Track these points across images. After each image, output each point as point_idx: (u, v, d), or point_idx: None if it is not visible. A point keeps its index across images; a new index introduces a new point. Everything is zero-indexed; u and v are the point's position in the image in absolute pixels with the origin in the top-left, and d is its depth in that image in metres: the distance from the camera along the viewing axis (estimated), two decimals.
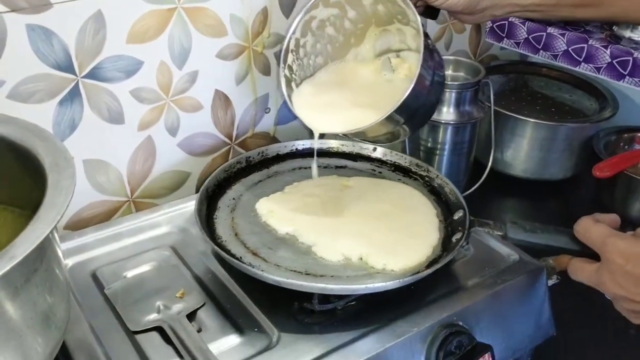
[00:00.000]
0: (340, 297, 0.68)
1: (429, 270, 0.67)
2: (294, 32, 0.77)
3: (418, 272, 0.67)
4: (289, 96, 0.79)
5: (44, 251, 0.52)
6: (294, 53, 0.79)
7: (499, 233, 0.71)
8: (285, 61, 0.78)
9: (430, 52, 0.72)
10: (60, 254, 0.58)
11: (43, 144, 0.57)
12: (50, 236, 0.53)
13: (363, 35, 0.82)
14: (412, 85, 0.68)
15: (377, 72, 0.82)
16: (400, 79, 0.79)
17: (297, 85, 0.81)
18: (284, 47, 0.78)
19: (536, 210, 1.09)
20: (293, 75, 0.80)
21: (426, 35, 0.71)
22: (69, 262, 0.75)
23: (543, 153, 1.08)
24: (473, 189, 1.01)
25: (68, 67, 0.75)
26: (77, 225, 0.84)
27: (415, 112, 0.73)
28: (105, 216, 0.86)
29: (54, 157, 0.56)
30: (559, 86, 1.21)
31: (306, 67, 0.81)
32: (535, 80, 1.23)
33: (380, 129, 0.73)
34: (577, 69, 1.10)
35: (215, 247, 0.69)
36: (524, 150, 1.08)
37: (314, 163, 0.84)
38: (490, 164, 1.02)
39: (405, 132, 0.77)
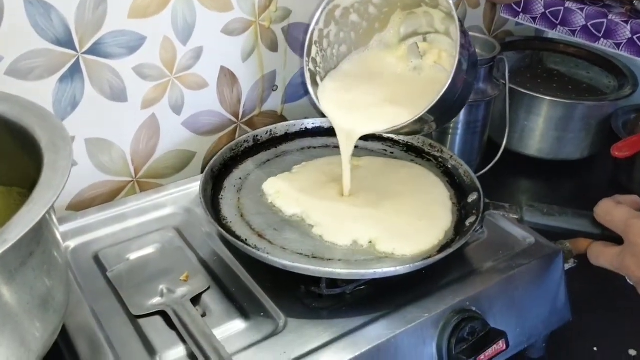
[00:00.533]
0: (348, 282, 0.66)
1: (441, 255, 0.64)
2: (317, 23, 0.74)
3: (429, 257, 0.65)
4: (315, 93, 0.75)
5: (40, 233, 0.50)
6: (317, 45, 0.75)
7: (515, 216, 0.69)
8: (309, 54, 0.75)
9: (464, 36, 0.67)
10: (58, 236, 0.56)
11: (40, 123, 0.55)
12: (47, 218, 0.52)
13: (387, 19, 0.78)
14: (449, 80, 0.64)
15: (404, 59, 0.78)
16: (429, 66, 0.76)
17: (322, 79, 0.77)
18: (307, 39, 0.74)
19: (551, 191, 1.06)
20: (317, 69, 0.76)
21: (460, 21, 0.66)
22: (71, 244, 0.73)
23: (559, 132, 1.05)
24: (486, 169, 0.98)
25: (68, 43, 0.72)
26: (80, 206, 0.82)
27: (450, 105, 0.70)
28: (108, 197, 0.84)
29: (52, 136, 0.53)
30: (576, 63, 1.18)
31: (330, 58, 0.77)
32: (552, 57, 1.20)
33: (411, 125, 0.69)
34: (595, 45, 1.06)
35: (220, 229, 0.66)
36: (539, 130, 1.06)
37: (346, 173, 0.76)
38: (504, 143, 1.00)
39: (431, 127, 0.73)
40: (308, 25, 0.73)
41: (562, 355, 0.75)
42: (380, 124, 0.69)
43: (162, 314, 0.64)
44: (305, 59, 0.74)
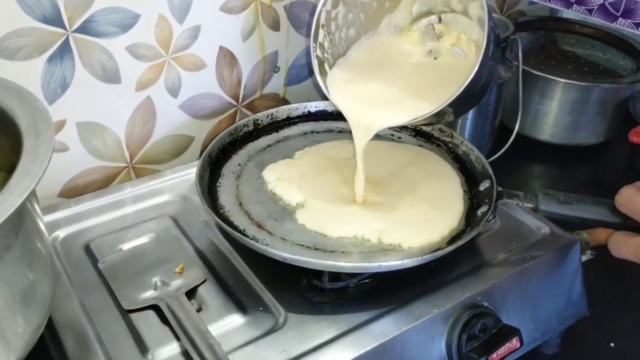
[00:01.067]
0: (352, 275, 0.62)
1: (450, 248, 0.60)
2: (324, 4, 0.68)
3: (438, 249, 0.61)
4: (324, 82, 0.69)
5: (19, 225, 0.46)
6: (324, 28, 0.69)
7: (530, 205, 0.65)
8: (316, 39, 0.69)
9: (490, 17, 0.60)
10: (42, 225, 0.53)
11: (21, 105, 0.51)
12: (27, 207, 0.48)
13: None
14: (475, 68, 0.58)
15: (418, 43, 0.72)
16: (447, 51, 0.70)
17: (330, 66, 0.71)
18: (314, 22, 0.68)
19: (565, 178, 1.02)
20: (325, 55, 0.70)
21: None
22: (61, 233, 0.69)
23: (574, 116, 1.01)
24: (498, 154, 0.94)
25: (56, 21, 0.68)
26: (72, 192, 0.78)
27: (472, 94, 0.64)
28: (102, 183, 0.81)
29: (33, 119, 0.50)
30: (592, 44, 1.13)
31: (338, 42, 0.72)
32: (566, 37, 1.16)
33: (430, 117, 0.64)
34: (613, 25, 1.02)
35: (217, 219, 0.63)
36: (553, 113, 1.02)
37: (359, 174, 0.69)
38: (517, 128, 0.96)
39: (449, 117, 0.67)
40: (314, 7, 0.68)
41: (578, 351, 0.72)
42: (399, 117, 0.64)
43: (156, 308, 0.60)
44: (312, 44, 0.68)
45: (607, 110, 1.01)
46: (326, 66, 0.70)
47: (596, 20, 1.05)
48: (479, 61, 0.58)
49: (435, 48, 0.71)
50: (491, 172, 0.70)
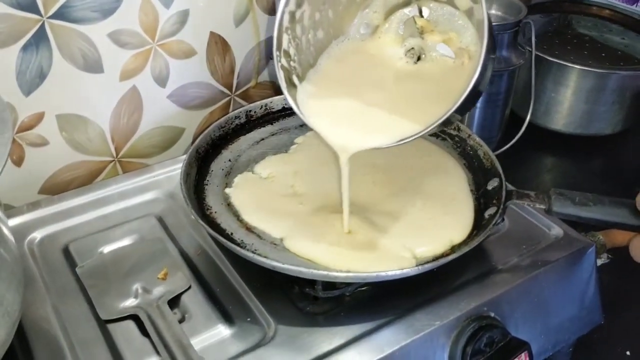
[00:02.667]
0: (348, 282, 0.57)
1: (454, 255, 0.55)
2: (286, 4, 0.58)
3: (441, 256, 0.56)
4: (294, 98, 0.59)
5: None
6: (289, 32, 0.59)
7: (542, 206, 0.60)
8: (279, 46, 0.58)
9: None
10: (6, 231, 0.48)
11: None
12: None
13: None
14: (472, 82, 0.51)
15: (395, 44, 0.64)
16: (431, 50, 0.62)
17: (300, 79, 0.61)
18: (277, 27, 0.58)
19: (580, 170, 0.98)
20: (292, 64, 0.60)
21: None
22: (38, 235, 0.65)
23: (589, 105, 0.96)
24: (509, 145, 0.90)
25: (30, 6, 0.64)
26: (55, 189, 0.75)
27: (469, 100, 0.54)
28: (87, 178, 0.77)
29: None
30: (610, 27, 1.08)
31: (305, 48, 0.62)
32: (582, 20, 1.11)
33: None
34: (634, 7, 0.96)
35: (201, 222, 0.58)
36: (567, 102, 0.97)
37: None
38: (528, 117, 0.92)
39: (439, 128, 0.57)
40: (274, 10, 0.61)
41: None
42: (383, 140, 0.55)
43: (135, 318, 0.56)
44: (276, 53, 0.58)
45: (625, 99, 0.96)
46: (294, 78, 0.60)
47: (615, 1, 0.99)
48: (476, 75, 0.50)
49: (417, 46, 0.63)
50: (500, 169, 0.65)
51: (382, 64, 0.63)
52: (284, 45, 0.58)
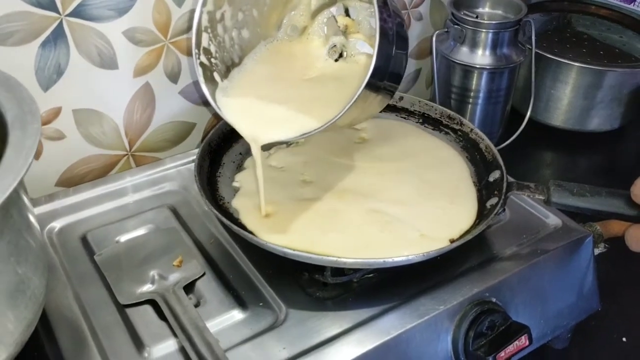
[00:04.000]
0: (356, 269, 0.60)
1: (457, 242, 0.58)
2: (204, 4, 0.60)
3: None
4: (213, 94, 0.62)
5: (5, 221, 0.44)
6: (209, 31, 0.62)
7: (541, 197, 0.62)
8: (199, 45, 0.61)
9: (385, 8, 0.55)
10: (32, 219, 0.50)
11: (7, 95, 0.49)
12: (14, 201, 0.46)
13: None
14: (364, 82, 0.54)
15: (321, 46, 0.67)
16: (353, 46, 0.65)
17: (223, 77, 0.64)
18: (195, 26, 0.61)
19: (579, 166, 1.00)
20: (213, 60, 0.63)
21: None
22: (57, 224, 0.67)
23: (588, 101, 0.98)
24: (509, 141, 0.93)
25: (49, 4, 0.66)
26: (70, 181, 0.76)
27: (377, 90, 0.59)
28: (101, 171, 0.79)
29: (20, 110, 0.47)
30: (608, 26, 1.10)
31: (229, 46, 0.64)
32: (581, 19, 1.13)
33: (351, 115, 0.58)
34: (631, 6, 0.98)
35: (215, 212, 0.61)
36: (566, 98, 0.99)
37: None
38: (528, 113, 0.94)
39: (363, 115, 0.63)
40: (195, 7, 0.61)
41: (588, 346, 0.70)
42: (284, 134, 0.60)
43: (152, 302, 0.59)
44: (195, 50, 0.61)
45: (622, 96, 0.97)
46: (215, 75, 0.63)
47: (613, 1, 1.01)
48: (367, 77, 0.54)
49: (339, 44, 0.65)
50: (501, 162, 0.67)
51: (304, 64, 0.66)
52: (204, 43, 0.62)
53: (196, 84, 0.80)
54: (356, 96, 0.54)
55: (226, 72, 0.65)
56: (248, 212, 0.64)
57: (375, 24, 0.53)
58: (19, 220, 0.47)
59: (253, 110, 0.62)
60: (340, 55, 0.67)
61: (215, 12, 0.62)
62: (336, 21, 0.66)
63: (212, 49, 0.63)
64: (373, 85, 0.56)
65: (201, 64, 0.62)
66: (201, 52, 0.62)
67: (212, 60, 0.63)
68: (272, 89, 0.64)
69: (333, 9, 0.67)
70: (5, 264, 0.44)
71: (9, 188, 0.40)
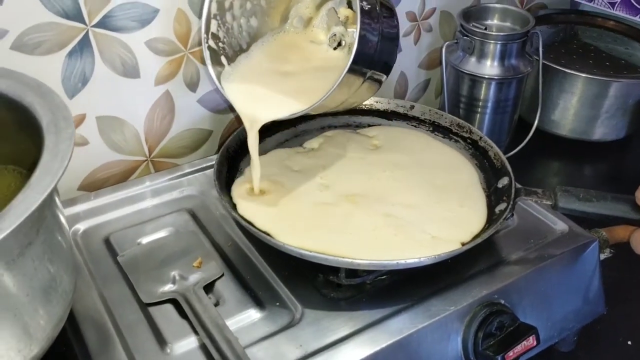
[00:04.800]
0: (369, 271, 0.62)
1: (468, 246, 0.60)
2: None
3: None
4: (218, 76, 0.68)
5: (40, 221, 0.47)
6: (217, 19, 0.68)
7: (548, 202, 0.64)
8: (207, 30, 0.67)
9: (367, 13, 0.60)
10: (63, 220, 0.53)
11: (41, 101, 0.52)
12: (48, 202, 0.49)
13: None
14: (347, 67, 0.59)
15: (325, 34, 0.72)
16: (351, 36, 0.69)
17: (230, 61, 0.70)
18: (205, 14, 0.66)
19: (585, 174, 1.02)
20: (221, 45, 0.68)
21: None
22: (81, 226, 0.70)
23: (594, 111, 1.00)
24: (516, 150, 0.94)
25: (76, 16, 0.69)
26: (92, 186, 0.79)
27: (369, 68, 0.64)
28: (121, 176, 0.81)
29: (53, 115, 0.50)
30: (614, 38, 1.12)
31: (237, 33, 0.70)
32: (588, 31, 1.15)
33: (337, 98, 0.64)
34: (637, 18, 1.00)
35: (234, 214, 0.63)
36: (573, 108, 1.00)
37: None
38: (536, 123, 0.96)
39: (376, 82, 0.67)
40: None
41: (594, 349, 0.72)
42: (279, 113, 0.66)
43: (174, 302, 0.61)
44: (204, 36, 0.67)
45: (628, 106, 0.99)
46: (223, 59, 0.69)
47: (619, 13, 1.03)
48: (351, 59, 0.58)
49: (339, 32, 0.70)
50: (510, 169, 0.69)
51: (306, 54, 0.71)
52: (213, 29, 0.68)
53: (215, 91, 0.83)
54: (338, 81, 0.59)
55: (233, 56, 0.71)
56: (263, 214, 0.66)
57: (356, 10, 0.58)
58: (52, 221, 0.50)
59: (254, 93, 0.68)
60: (340, 44, 0.71)
61: (224, 1, 0.67)
62: (337, 13, 0.69)
63: (221, 34, 0.69)
64: (357, 70, 0.61)
65: (209, 47, 0.67)
66: (209, 37, 0.67)
67: (220, 44, 0.69)
68: (273, 76, 0.69)
69: (336, 1, 0.71)
70: (41, 261, 0.47)
71: (47, 189, 0.43)
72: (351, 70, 0.59)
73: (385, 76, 0.67)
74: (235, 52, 0.71)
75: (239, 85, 0.68)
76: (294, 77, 0.69)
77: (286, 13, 0.75)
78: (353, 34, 0.69)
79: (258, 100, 0.67)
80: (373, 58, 0.63)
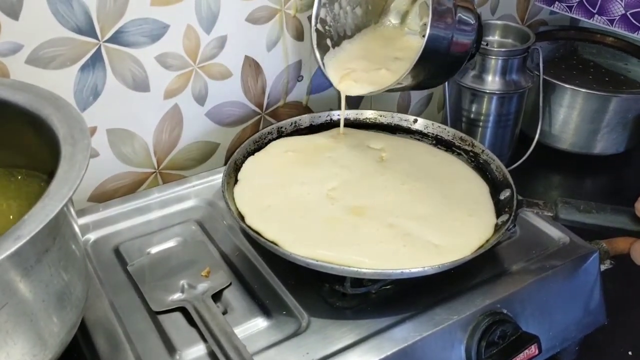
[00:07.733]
0: (374, 281, 0.63)
1: (471, 256, 0.61)
2: None
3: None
4: (322, 55, 0.78)
5: (56, 229, 0.48)
6: (326, 6, 0.78)
7: (549, 214, 0.66)
8: (317, 16, 0.78)
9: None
10: (77, 229, 0.55)
11: (58, 114, 0.53)
12: (64, 212, 0.50)
13: None
14: (423, 44, 0.66)
15: (418, 26, 0.80)
16: None
17: (333, 44, 0.80)
18: (316, 3, 0.77)
19: (585, 187, 1.03)
20: (327, 27, 0.79)
21: None
22: (91, 236, 0.72)
23: (594, 126, 1.01)
24: (518, 163, 0.96)
25: (89, 31, 0.71)
26: (102, 197, 0.81)
27: (440, 64, 0.72)
28: (130, 188, 0.83)
29: (70, 127, 0.52)
30: (613, 54, 1.13)
31: (343, 19, 0.80)
32: (587, 47, 1.16)
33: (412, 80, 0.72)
34: (635, 35, 1.02)
35: (242, 224, 0.64)
36: (573, 123, 1.02)
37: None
38: (537, 137, 0.97)
39: (415, 80, 0.74)
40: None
41: (595, 359, 0.72)
42: (365, 90, 0.76)
43: (183, 310, 0.62)
44: (314, 21, 0.78)
45: (627, 121, 1.01)
46: (328, 41, 0.80)
47: (618, 30, 1.05)
48: (427, 35, 0.66)
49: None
50: (512, 181, 0.71)
51: (398, 45, 0.82)
52: (322, 15, 0.79)
53: (222, 105, 0.85)
54: (412, 64, 0.68)
55: (339, 41, 0.82)
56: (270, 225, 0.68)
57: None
58: (67, 230, 0.51)
59: (349, 73, 0.78)
60: None
61: None
62: (427, 6, 0.73)
63: (328, 19, 0.80)
64: (428, 57, 0.69)
65: (317, 30, 0.78)
66: (318, 21, 0.79)
67: (326, 27, 0.80)
68: (368, 60, 0.80)
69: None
70: (56, 268, 0.48)
71: (65, 198, 0.44)
72: (422, 56, 0.67)
73: (462, 63, 0.75)
74: (340, 37, 0.82)
75: (338, 66, 0.80)
76: (384, 63, 0.79)
77: (387, 6, 0.85)
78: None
79: (352, 80, 0.77)
80: (444, 47, 0.70)
